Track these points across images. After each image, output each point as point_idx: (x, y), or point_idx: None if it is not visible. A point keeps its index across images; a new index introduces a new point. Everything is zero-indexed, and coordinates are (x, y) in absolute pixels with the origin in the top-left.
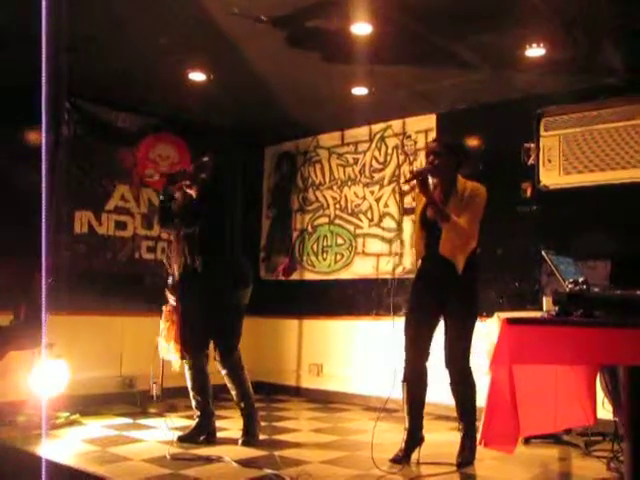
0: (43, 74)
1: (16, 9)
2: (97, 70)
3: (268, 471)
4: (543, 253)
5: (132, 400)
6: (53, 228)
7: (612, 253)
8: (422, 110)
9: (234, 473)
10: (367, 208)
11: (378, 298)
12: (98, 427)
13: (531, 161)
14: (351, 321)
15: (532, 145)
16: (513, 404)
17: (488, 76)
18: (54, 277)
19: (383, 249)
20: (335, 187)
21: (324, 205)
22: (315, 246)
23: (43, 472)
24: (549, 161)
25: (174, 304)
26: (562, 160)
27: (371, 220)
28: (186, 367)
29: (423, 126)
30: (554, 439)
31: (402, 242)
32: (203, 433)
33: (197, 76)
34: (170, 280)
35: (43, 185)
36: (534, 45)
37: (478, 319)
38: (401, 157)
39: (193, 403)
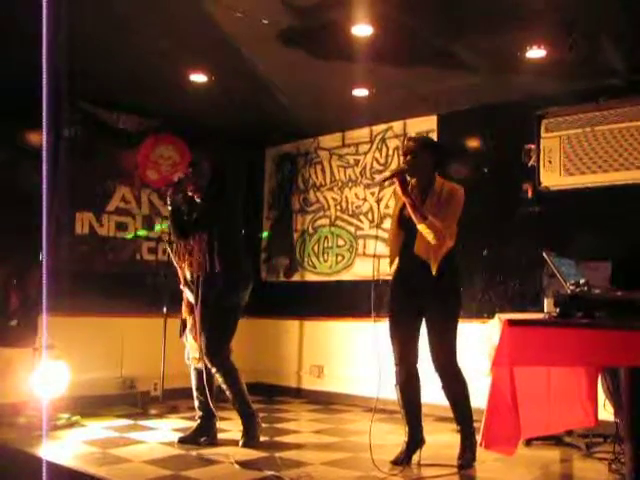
0: (44, 75)
1: (17, 9)
2: (98, 71)
3: (269, 472)
4: (544, 254)
5: (133, 401)
6: (54, 229)
7: (613, 254)
8: (423, 111)
9: (234, 474)
10: (368, 209)
11: (379, 299)
12: (99, 428)
13: (532, 162)
14: (352, 322)
15: (533, 146)
16: (514, 406)
17: (489, 77)
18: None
19: (384, 250)
20: (336, 188)
21: (325, 206)
22: (316, 247)
23: (44, 473)
24: (550, 162)
25: (192, 300)
26: (563, 161)
27: (372, 221)
28: (192, 367)
29: (424, 127)
30: (555, 441)
31: None
32: (204, 434)
33: (198, 77)
34: (188, 276)
35: (44, 186)
36: (535, 46)
37: (484, 320)
38: (402, 158)
39: (196, 403)
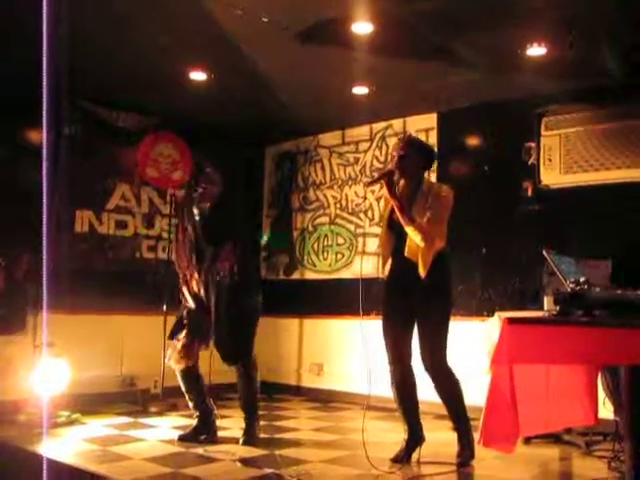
0: (44, 73)
1: (17, 7)
2: (98, 69)
3: (268, 470)
4: (544, 252)
5: (133, 399)
6: (54, 226)
7: (613, 253)
8: (423, 109)
9: (234, 472)
10: (368, 207)
11: (378, 298)
12: (99, 426)
13: (532, 160)
14: (352, 320)
15: (533, 144)
16: (513, 404)
17: (489, 75)
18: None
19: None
20: (336, 186)
21: (325, 204)
22: (316, 245)
23: (44, 471)
24: (550, 160)
25: (191, 304)
26: (563, 159)
27: (372, 219)
28: (177, 370)
29: (424, 125)
30: (555, 439)
31: None
32: (204, 432)
33: (198, 75)
34: (194, 283)
35: (44, 184)
36: (535, 44)
37: (483, 318)
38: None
39: (190, 404)
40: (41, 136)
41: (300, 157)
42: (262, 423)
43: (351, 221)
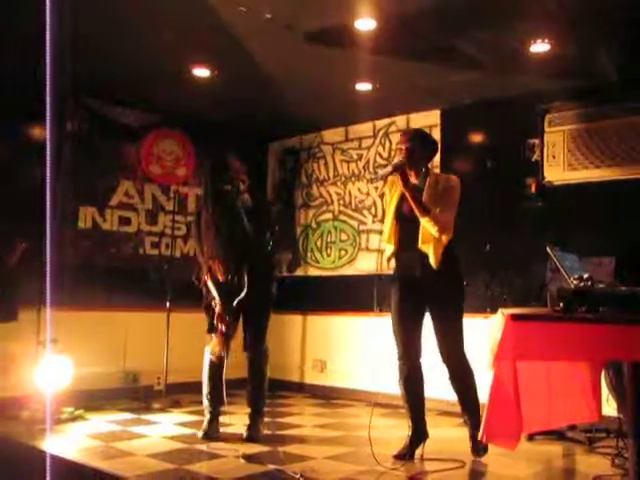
0: (47, 70)
1: (20, 4)
2: (101, 66)
3: (272, 466)
4: (548, 249)
5: (136, 395)
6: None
7: (617, 249)
8: (426, 106)
9: (238, 468)
10: (371, 204)
11: (381, 294)
12: (102, 422)
13: (535, 157)
14: (355, 317)
15: (536, 141)
16: (516, 400)
17: (492, 72)
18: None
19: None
20: (339, 183)
21: (328, 201)
22: (319, 242)
23: (47, 467)
24: (553, 157)
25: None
26: (566, 156)
27: (375, 216)
28: (208, 359)
29: (427, 122)
30: (558, 435)
31: None
32: (217, 428)
33: (201, 72)
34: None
35: (47, 180)
36: (538, 41)
37: (486, 315)
38: (397, 152)
39: (209, 397)
40: (45, 133)
41: (303, 153)
42: (266, 420)
43: (354, 217)
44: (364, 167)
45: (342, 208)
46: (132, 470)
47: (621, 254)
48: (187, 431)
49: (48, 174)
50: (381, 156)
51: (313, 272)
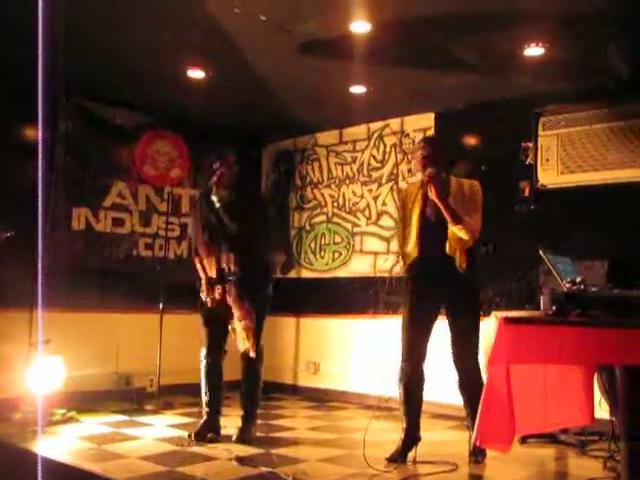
0: (40, 70)
1: (12, 3)
2: (95, 66)
3: (264, 469)
4: (541, 252)
5: (128, 397)
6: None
7: (609, 253)
8: (420, 109)
9: (230, 471)
10: (365, 206)
11: (375, 296)
12: (94, 424)
13: (529, 160)
14: (348, 319)
15: (530, 144)
16: (509, 403)
17: (487, 75)
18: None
19: (381, 247)
20: (333, 185)
21: (322, 203)
22: (313, 244)
23: (39, 469)
24: (547, 160)
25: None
26: (560, 159)
27: (369, 218)
28: (206, 361)
29: (421, 125)
30: (551, 438)
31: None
32: (211, 429)
33: (196, 73)
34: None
35: (39, 181)
36: (533, 44)
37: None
38: (399, 156)
39: (208, 398)
40: (37, 133)
41: (297, 156)
42: (258, 422)
43: (348, 220)
44: (358, 170)
45: (336, 210)
46: (124, 473)
47: (614, 257)
48: (179, 433)
49: (40, 175)
50: (375, 159)
51: (307, 274)
